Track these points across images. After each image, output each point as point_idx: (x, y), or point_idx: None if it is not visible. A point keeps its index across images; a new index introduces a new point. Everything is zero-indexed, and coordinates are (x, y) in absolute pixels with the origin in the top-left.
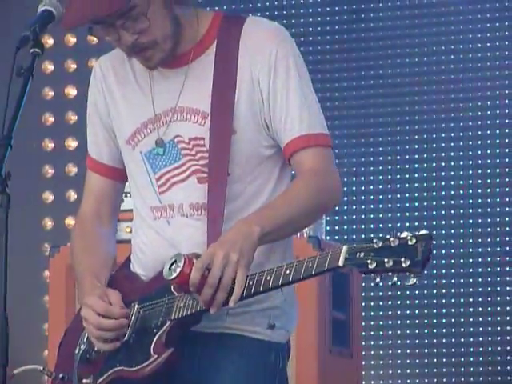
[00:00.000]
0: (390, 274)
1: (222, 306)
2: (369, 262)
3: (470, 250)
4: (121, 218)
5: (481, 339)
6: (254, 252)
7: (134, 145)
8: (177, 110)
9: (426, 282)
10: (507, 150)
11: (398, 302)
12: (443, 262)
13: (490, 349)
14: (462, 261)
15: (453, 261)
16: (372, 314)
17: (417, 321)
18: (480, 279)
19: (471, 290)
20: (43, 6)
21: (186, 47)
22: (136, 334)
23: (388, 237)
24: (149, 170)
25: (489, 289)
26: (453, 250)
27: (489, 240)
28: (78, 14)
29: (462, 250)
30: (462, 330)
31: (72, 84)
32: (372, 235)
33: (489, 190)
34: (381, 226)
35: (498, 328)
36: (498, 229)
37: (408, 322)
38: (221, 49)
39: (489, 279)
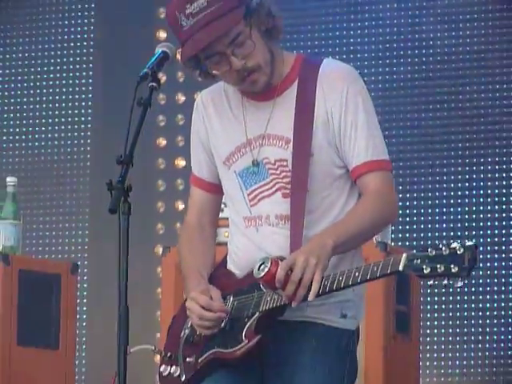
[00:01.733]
0: (442, 278)
1: (302, 301)
2: (424, 267)
3: None
4: (220, 224)
5: None
6: (328, 260)
7: (230, 165)
8: (265, 136)
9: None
10: None
11: (451, 298)
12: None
13: None
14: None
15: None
16: (429, 307)
17: (466, 313)
18: None
19: None
20: (161, 47)
21: (274, 82)
22: (230, 321)
23: (440, 246)
24: (242, 186)
25: None
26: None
27: None
28: (197, 45)
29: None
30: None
31: (181, 113)
32: (429, 243)
33: None
34: (437, 234)
35: None
36: None
37: (459, 314)
38: (301, 86)
39: None
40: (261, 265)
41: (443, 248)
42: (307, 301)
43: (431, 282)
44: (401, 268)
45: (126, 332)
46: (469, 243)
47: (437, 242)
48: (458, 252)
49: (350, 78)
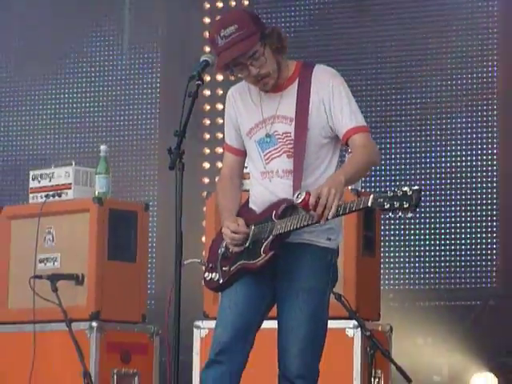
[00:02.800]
0: (397, 211)
1: (327, 220)
2: (385, 204)
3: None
4: (245, 177)
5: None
6: (343, 190)
7: (251, 136)
8: (275, 116)
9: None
10: None
11: (407, 222)
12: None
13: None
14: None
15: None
16: (387, 233)
17: (414, 237)
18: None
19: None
20: (204, 57)
21: (281, 81)
22: (252, 242)
23: (396, 190)
24: (259, 150)
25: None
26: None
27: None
28: (226, 58)
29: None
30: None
31: (220, 102)
32: (388, 189)
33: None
34: (392, 182)
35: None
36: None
37: (409, 237)
38: (300, 83)
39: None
40: (298, 195)
41: (398, 191)
42: (327, 220)
43: (390, 214)
44: (369, 204)
45: (181, 250)
46: (415, 187)
47: (392, 188)
48: (408, 193)
49: (334, 75)
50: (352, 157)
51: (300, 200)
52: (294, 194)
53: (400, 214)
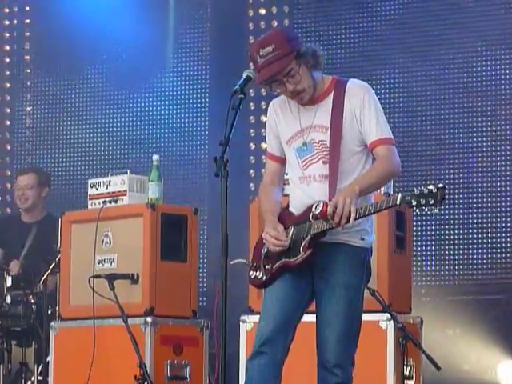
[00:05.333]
0: (424, 207)
1: (345, 224)
2: (412, 201)
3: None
4: (285, 183)
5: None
6: (357, 199)
7: (290, 144)
8: (312, 126)
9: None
10: None
11: (437, 223)
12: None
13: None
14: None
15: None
16: (418, 233)
17: (444, 236)
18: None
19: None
20: (246, 72)
21: (317, 94)
22: (292, 242)
23: (422, 188)
24: (297, 157)
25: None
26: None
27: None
28: (264, 75)
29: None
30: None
31: (264, 114)
32: (416, 188)
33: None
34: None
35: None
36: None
37: (439, 236)
38: (335, 96)
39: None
40: (316, 206)
41: (424, 189)
42: (348, 223)
43: (418, 211)
44: (398, 202)
45: (226, 251)
46: (440, 185)
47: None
48: (433, 191)
49: (366, 88)
50: (372, 167)
51: (318, 211)
52: (313, 205)
53: (426, 210)
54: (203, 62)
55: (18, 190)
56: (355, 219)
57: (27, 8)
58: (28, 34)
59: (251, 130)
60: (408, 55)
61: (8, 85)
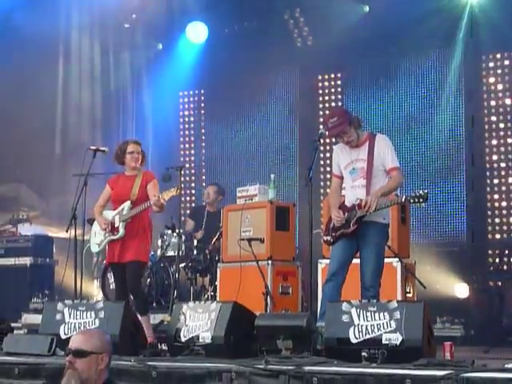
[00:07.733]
0: (416, 203)
1: (372, 211)
2: (411, 200)
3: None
4: (343, 189)
5: None
6: (378, 199)
7: (345, 168)
8: (357, 160)
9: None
10: None
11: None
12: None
13: None
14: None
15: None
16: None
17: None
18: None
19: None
20: (321, 130)
21: (359, 142)
22: (346, 220)
23: (416, 193)
24: (349, 176)
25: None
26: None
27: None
28: (331, 134)
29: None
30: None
31: (330, 152)
32: (413, 192)
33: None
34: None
35: None
36: None
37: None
38: (369, 143)
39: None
40: (356, 200)
41: (417, 193)
42: (372, 211)
43: (413, 204)
44: (403, 200)
45: (311, 226)
46: (426, 191)
47: (415, 191)
48: (422, 194)
49: (386, 139)
50: (388, 182)
51: (357, 203)
52: (356, 201)
53: (418, 204)
54: (296, 121)
55: (206, 195)
56: (377, 210)
57: None
58: None
59: (327, 161)
60: None
61: None
